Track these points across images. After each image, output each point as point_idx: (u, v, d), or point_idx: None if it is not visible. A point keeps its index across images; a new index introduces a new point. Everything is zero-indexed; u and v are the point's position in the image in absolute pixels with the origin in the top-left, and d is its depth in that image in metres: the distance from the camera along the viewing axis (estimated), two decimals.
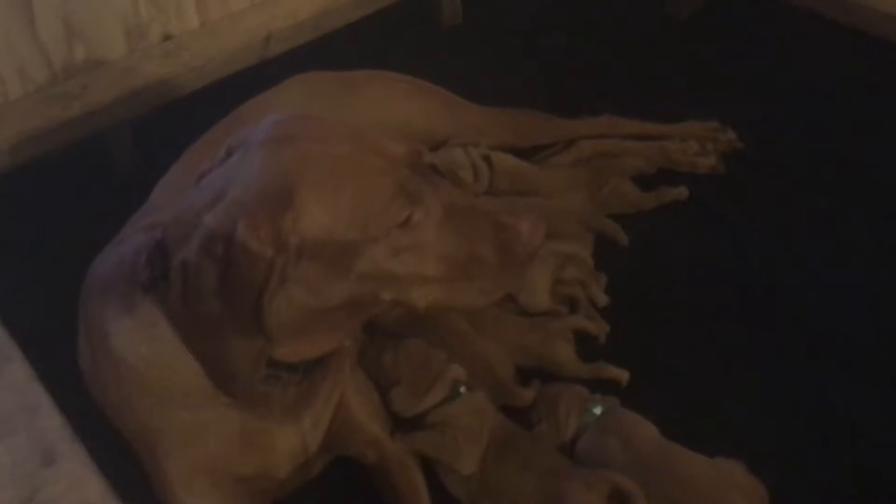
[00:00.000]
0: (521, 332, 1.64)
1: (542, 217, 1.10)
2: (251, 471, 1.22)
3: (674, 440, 1.45)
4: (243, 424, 1.17)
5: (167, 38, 2.06)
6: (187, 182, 1.19)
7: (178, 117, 1.96)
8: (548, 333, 1.62)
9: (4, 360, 1.34)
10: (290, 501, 1.38)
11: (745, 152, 2.09)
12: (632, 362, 1.65)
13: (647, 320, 1.74)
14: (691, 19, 2.53)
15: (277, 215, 0.97)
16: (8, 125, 1.83)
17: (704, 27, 2.50)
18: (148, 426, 1.17)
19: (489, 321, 1.64)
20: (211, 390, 1.06)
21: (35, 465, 1.19)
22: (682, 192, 2.00)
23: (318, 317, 1.07)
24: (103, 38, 1.97)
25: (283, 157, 1.01)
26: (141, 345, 1.11)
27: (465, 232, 1.07)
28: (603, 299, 1.74)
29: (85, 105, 1.90)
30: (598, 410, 1.47)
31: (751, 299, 1.79)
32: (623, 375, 1.61)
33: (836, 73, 2.29)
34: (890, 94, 2.20)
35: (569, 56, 2.45)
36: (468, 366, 1.53)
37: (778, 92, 2.27)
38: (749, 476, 1.40)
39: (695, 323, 1.75)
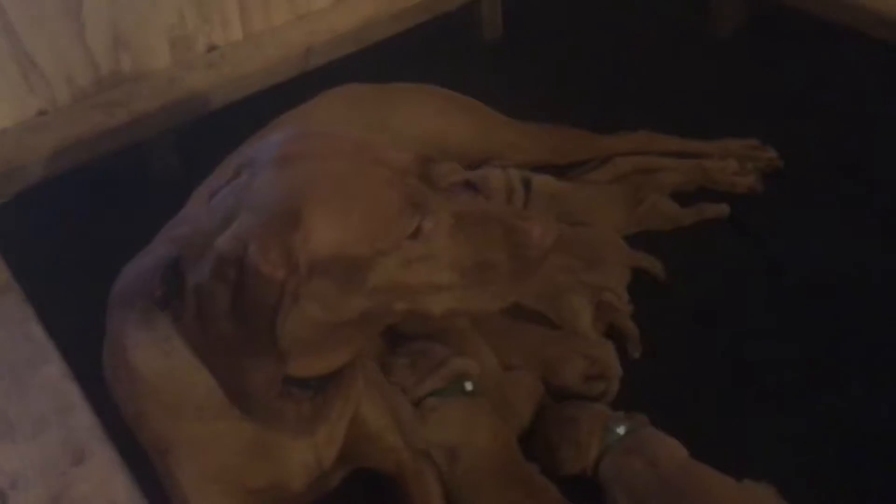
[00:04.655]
0: (541, 344, 1.63)
1: (553, 220, 1.09)
2: (265, 483, 1.23)
3: (703, 461, 1.43)
4: (257, 438, 1.18)
5: (211, 49, 2.10)
6: None
7: (219, 127, 1.99)
8: (564, 350, 1.62)
9: (41, 360, 1.38)
10: None
11: (784, 171, 2.06)
12: (662, 380, 1.64)
13: (680, 338, 1.73)
14: (734, 36, 2.51)
15: (286, 236, 0.97)
16: (54, 131, 1.88)
17: (747, 44, 2.48)
18: (162, 436, 1.18)
19: (509, 331, 1.64)
20: (224, 404, 1.06)
21: (66, 464, 1.22)
22: (723, 209, 1.98)
23: (331, 331, 1.07)
24: (150, 48, 2.02)
25: (289, 176, 1.01)
26: (156, 359, 1.12)
27: (477, 238, 1.06)
28: (634, 331, 1.72)
29: (129, 113, 1.94)
30: (621, 430, 1.45)
31: (786, 319, 1.76)
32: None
33: (879, 91, 2.26)
34: None
35: (609, 71, 2.44)
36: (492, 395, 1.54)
37: (820, 110, 2.24)
38: (779, 500, 1.37)
39: (728, 342, 1.73)
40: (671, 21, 2.58)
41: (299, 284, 0.99)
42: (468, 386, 1.48)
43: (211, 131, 2.03)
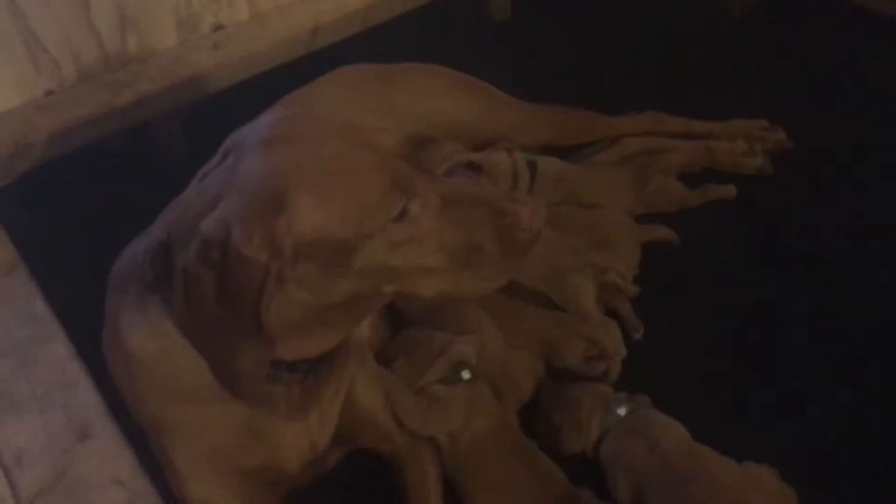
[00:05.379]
0: (543, 326, 1.63)
1: (542, 202, 1.08)
2: (258, 463, 1.23)
3: (706, 443, 1.43)
4: (249, 420, 1.18)
5: (218, 28, 2.10)
6: None
7: (225, 107, 1.99)
8: (565, 332, 1.62)
9: (47, 338, 1.40)
10: (306, 493, 1.39)
11: (794, 152, 2.05)
12: (666, 362, 1.64)
13: (686, 319, 1.72)
14: (745, 15, 2.49)
15: (270, 220, 0.96)
16: (62, 111, 1.88)
17: (758, 23, 2.46)
18: (156, 417, 1.18)
19: (511, 312, 1.64)
20: (217, 387, 1.06)
21: (69, 441, 1.24)
22: (729, 190, 1.97)
23: (320, 314, 1.07)
24: (156, 28, 2.01)
25: (273, 159, 1.01)
26: (149, 341, 1.12)
27: (465, 221, 1.05)
28: (630, 313, 1.72)
29: (135, 93, 1.94)
30: (622, 411, 1.46)
31: (793, 302, 1.75)
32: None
33: (891, 71, 2.23)
34: None
35: (618, 52, 2.43)
36: (491, 372, 1.54)
37: (830, 90, 2.22)
38: (780, 483, 1.37)
39: (735, 325, 1.72)
40: (682, 1, 2.55)
41: (284, 268, 0.99)
42: (465, 375, 1.48)
43: (217, 111, 2.02)
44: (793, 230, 1.90)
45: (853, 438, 1.51)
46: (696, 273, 1.82)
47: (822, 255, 1.83)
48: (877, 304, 1.73)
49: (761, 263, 1.85)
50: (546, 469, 1.41)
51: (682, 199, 1.96)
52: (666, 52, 2.40)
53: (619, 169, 2.00)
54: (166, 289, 1.06)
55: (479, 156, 1.86)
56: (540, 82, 2.21)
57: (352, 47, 2.18)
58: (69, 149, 1.87)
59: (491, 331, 1.60)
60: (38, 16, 1.83)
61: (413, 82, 1.90)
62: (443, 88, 1.93)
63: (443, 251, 1.06)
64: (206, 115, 2.07)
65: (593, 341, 1.60)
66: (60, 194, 1.94)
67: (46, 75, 1.90)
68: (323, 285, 1.03)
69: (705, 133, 2.06)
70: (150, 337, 1.12)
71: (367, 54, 1.98)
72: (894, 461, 1.47)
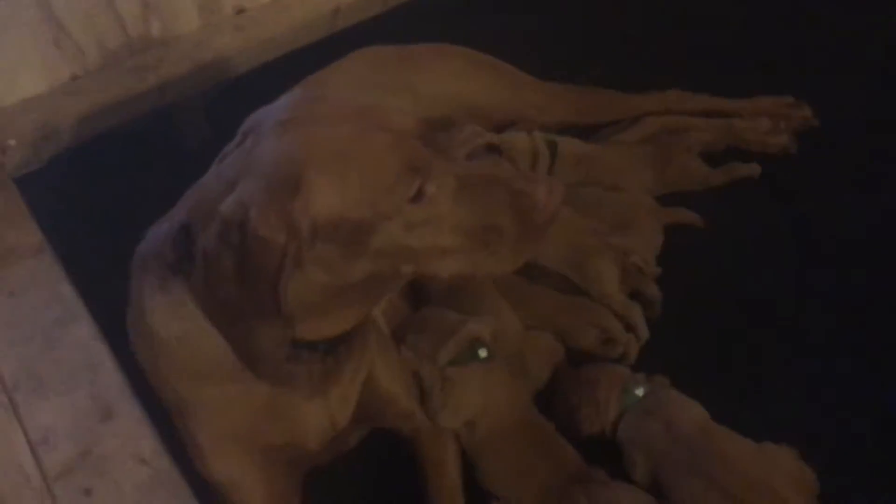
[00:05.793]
0: (557, 311, 1.63)
1: (559, 183, 1.08)
2: (280, 441, 1.26)
3: (724, 423, 1.43)
4: (270, 399, 1.20)
5: (239, 11, 2.11)
6: None
7: (248, 90, 2.00)
8: (579, 319, 1.62)
9: (71, 318, 1.42)
10: (328, 471, 1.41)
11: (820, 130, 2.01)
12: (689, 342, 1.64)
13: (708, 300, 1.72)
14: None
15: (287, 201, 0.98)
16: (86, 95, 1.90)
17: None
18: (180, 396, 1.21)
19: (526, 296, 1.65)
20: (238, 366, 1.08)
21: (94, 421, 1.27)
22: (753, 168, 1.95)
23: (339, 294, 1.08)
24: (178, 11, 2.02)
25: (290, 141, 1.02)
26: (172, 322, 1.14)
27: (481, 202, 1.06)
28: (656, 294, 1.71)
29: (159, 77, 1.96)
30: (639, 392, 1.46)
31: (817, 283, 1.74)
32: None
33: None
34: None
35: (640, 30, 2.40)
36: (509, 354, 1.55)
37: (858, 66, 2.18)
38: (798, 462, 1.37)
39: (758, 306, 1.71)
40: None
41: (301, 249, 1.00)
42: (482, 353, 1.49)
43: (239, 94, 2.04)
44: (818, 210, 1.88)
45: (873, 422, 1.50)
46: (718, 253, 1.81)
47: (848, 235, 1.82)
48: None
49: (785, 244, 1.83)
50: (560, 449, 1.42)
51: (704, 178, 1.94)
52: (689, 28, 2.37)
53: (641, 148, 1.98)
54: (188, 270, 1.08)
55: (498, 137, 1.86)
56: (561, 62, 2.19)
57: (373, 29, 2.18)
58: (95, 133, 1.89)
59: (509, 314, 1.61)
60: (62, 3, 1.84)
61: (433, 63, 1.90)
62: (462, 69, 1.93)
63: (459, 232, 1.06)
64: (229, 98, 2.09)
65: (604, 329, 1.60)
66: (86, 178, 1.96)
67: (71, 61, 1.92)
68: (340, 266, 1.05)
69: (729, 111, 2.04)
70: (172, 318, 1.15)
71: (387, 36, 1.97)
72: None
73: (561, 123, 1.98)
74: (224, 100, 2.11)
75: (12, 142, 1.79)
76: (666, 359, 1.59)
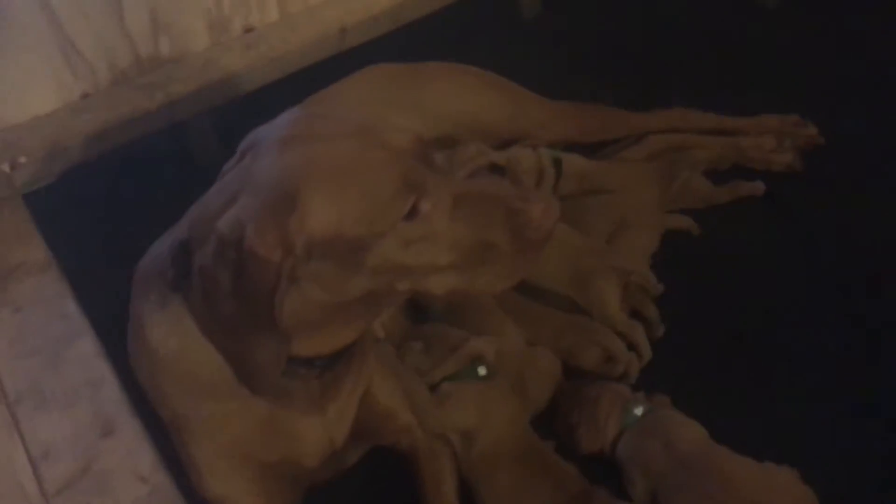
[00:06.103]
0: (559, 331, 1.64)
1: (555, 201, 1.08)
2: (277, 458, 1.26)
3: (725, 443, 1.42)
4: (268, 416, 1.21)
5: (248, 30, 2.13)
6: None
7: (256, 108, 2.02)
8: (582, 338, 1.62)
9: (75, 334, 1.44)
10: (327, 489, 1.41)
11: (826, 149, 2.01)
12: (691, 361, 1.63)
13: (712, 318, 1.71)
14: (780, 8, 2.45)
15: (283, 218, 0.99)
16: (96, 112, 1.93)
17: (792, 16, 2.42)
18: (177, 413, 1.22)
19: (528, 316, 1.65)
20: (235, 383, 1.09)
21: (94, 437, 1.28)
22: (757, 186, 1.94)
23: (335, 311, 1.09)
24: (187, 30, 2.05)
25: (287, 159, 1.03)
26: (171, 338, 1.15)
27: (477, 219, 1.06)
28: (654, 314, 1.70)
29: (168, 95, 1.98)
30: (638, 411, 1.45)
31: (822, 303, 1.73)
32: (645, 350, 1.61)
33: None
34: None
35: (650, 48, 2.41)
36: (510, 373, 1.55)
37: (864, 85, 2.17)
38: (800, 483, 1.36)
39: (757, 325, 1.70)
40: None
41: (297, 266, 1.01)
42: (482, 371, 1.49)
43: (248, 112, 2.05)
44: (823, 229, 1.86)
45: (878, 440, 1.49)
46: (722, 271, 1.80)
47: (851, 255, 1.80)
48: None
49: (788, 262, 1.82)
50: (560, 468, 1.42)
51: (708, 196, 1.94)
52: (698, 46, 2.37)
53: (646, 165, 1.98)
54: (187, 287, 1.09)
55: (503, 155, 1.87)
56: (568, 80, 2.20)
57: (381, 47, 2.19)
58: (104, 150, 1.92)
59: (512, 334, 1.61)
60: (73, 22, 1.88)
61: (439, 81, 1.91)
62: (469, 87, 1.94)
63: (455, 249, 1.07)
64: (238, 116, 2.10)
65: (607, 349, 1.60)
66: (95, 195, 1.99)
67: (82, 79, 1.95)
68: (337, 283, 1.05)
69: (733, 129, 2.04)
70: (170, 334, 1.16)
71: (395, 54, 1.99)
72: None
73: (565, 141, 1.98)
74: (234, 117, 2.13)
75: (23, 159, 1.82)
76: (666, 376, 1.59)
